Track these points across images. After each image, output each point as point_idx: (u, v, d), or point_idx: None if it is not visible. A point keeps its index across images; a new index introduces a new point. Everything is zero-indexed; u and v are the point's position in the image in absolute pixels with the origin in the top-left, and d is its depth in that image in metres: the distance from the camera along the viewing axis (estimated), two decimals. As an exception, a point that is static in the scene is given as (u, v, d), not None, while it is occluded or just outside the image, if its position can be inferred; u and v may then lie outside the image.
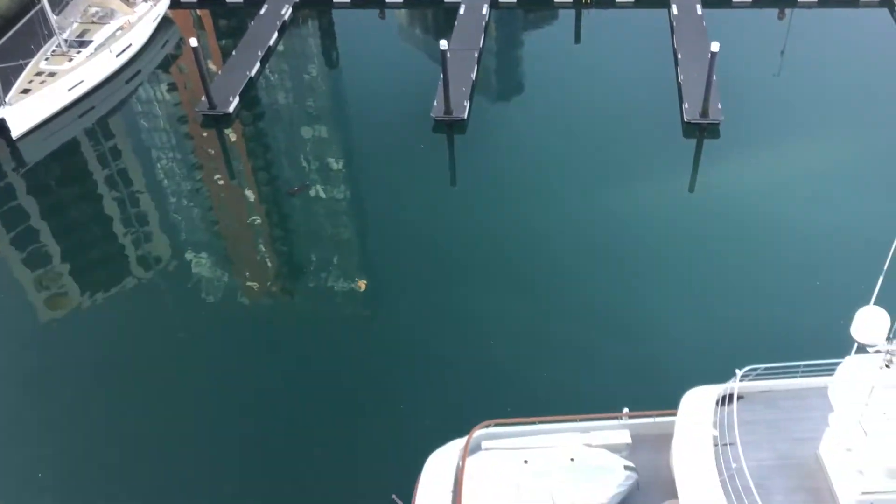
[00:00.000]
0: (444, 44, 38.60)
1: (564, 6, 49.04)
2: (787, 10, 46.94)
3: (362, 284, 32.31)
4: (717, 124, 38.44)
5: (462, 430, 21.75)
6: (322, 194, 37.22)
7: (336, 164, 38.96)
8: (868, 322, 16.36)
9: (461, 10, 48.23)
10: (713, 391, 19.56)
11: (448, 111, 40.01)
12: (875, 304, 16.75)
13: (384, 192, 36.63)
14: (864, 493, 16.87)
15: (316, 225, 35.66)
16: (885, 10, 46.39)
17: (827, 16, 46.79)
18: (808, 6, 47.22)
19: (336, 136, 41.09)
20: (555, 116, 40.33)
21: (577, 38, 46.97)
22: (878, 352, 16.50)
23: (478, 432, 21.31)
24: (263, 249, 34.69)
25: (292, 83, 45.08)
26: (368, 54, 46.53)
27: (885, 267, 16.82)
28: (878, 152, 36.20)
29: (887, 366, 16.33)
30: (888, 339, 16.32)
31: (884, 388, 16.44)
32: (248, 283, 32.88)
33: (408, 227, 34.53)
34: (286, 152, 40.09)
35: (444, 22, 48.17)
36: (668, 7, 47.23)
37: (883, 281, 17.13)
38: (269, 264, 33.98)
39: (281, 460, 25.70)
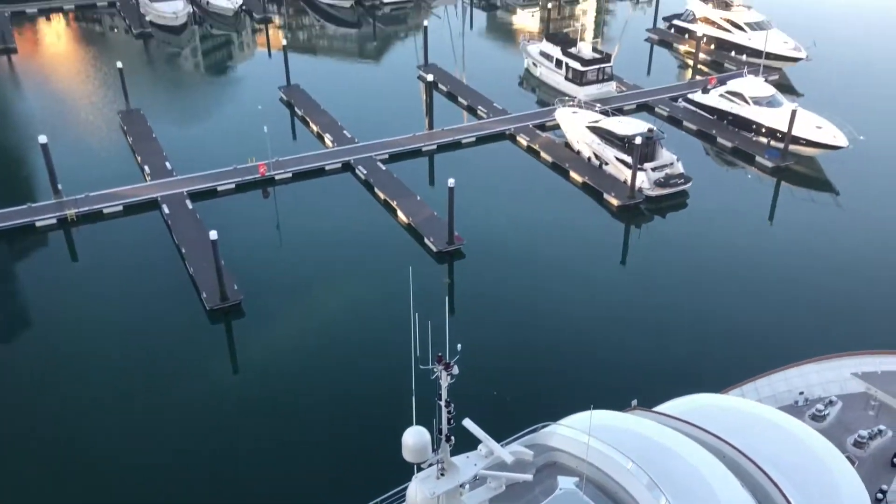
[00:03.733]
0: None
1: (51, 228, 46.64)
2: (269, 189, 51.33)
3: None
4: (239, 303, 39.75)
5: None
6: None
7: None
8: (410, 443, 17.99)
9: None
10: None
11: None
12: (416, 423, 18.51)
13: None
14: None
15: None
16: (348, 174, 53.70)
17: (298, 188, 52.37)
18: (285, 182, 52.31)
19: None
20: (72, 348, 37.35)
21: (74, 256, 44.88)
22: (431, 465, 18.15)
23: None
24: None
25: None
26: None
27: (413, 387, 18.80)
28: (383, 294, 41.07)
29: (442, 474, 18.03)
30: (434, 450, 18.09)
31: (447, 495, 18.09)
32: None
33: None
34: None
35: None
36: (160, 208, 48.13)
37: (415, 400, 19.11)
38: None
39: None
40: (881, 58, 74.72)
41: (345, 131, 57.42)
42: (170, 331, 38.18)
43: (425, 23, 71.32)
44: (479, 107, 62.36)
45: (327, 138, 56.86)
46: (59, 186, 48.10)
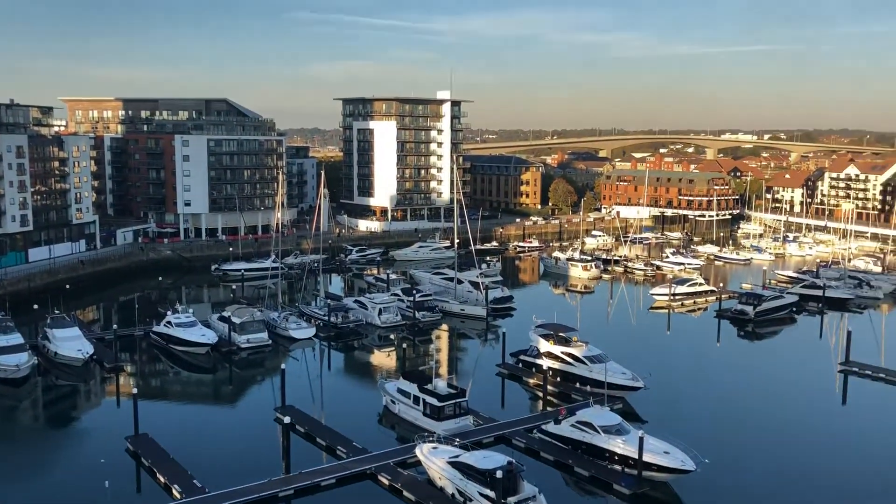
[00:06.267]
0: None
1: None
2: None
3: None
4: None
5: None
6: None
7: None
8: None
9: None
10: None
11: None
12: None
13: None
14: None
15: None
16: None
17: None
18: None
19: None
20: None
21: None
22: None
23: None
24: None
25: None
26: None
27: None
28: None
29: None
30: None
31: None
32: None
33: None
34: None
35: None
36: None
37: None
38: None
39: None
40: (709, 381, 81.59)
41: (195, 480, 54.15)
42: None
43: (283, 365, 72.13)
44: (339, 447, 61.25)
45: (175, 489, 53.23)
46: None
